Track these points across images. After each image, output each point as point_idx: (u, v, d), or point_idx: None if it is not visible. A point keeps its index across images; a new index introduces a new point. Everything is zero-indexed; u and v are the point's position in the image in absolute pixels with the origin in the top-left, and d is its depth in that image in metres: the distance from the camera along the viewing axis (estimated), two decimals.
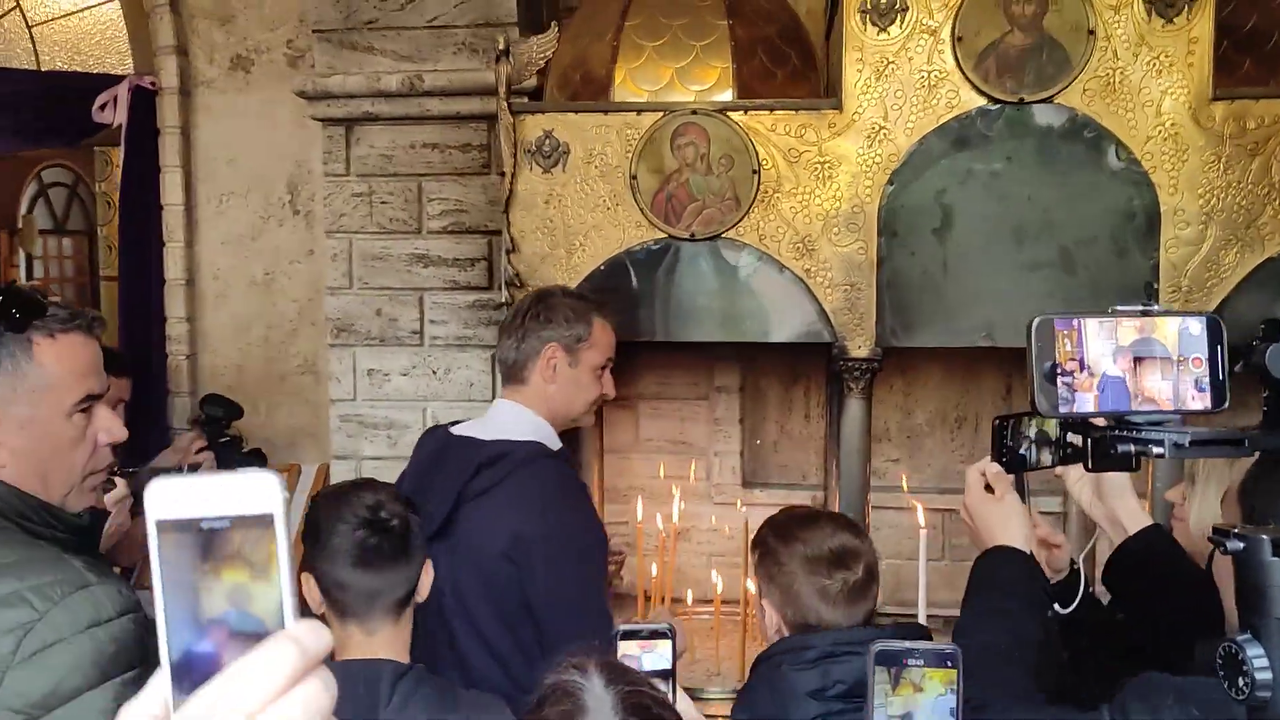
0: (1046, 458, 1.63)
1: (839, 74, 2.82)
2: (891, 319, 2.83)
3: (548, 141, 2.89)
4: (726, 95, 2.92)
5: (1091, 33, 2.66)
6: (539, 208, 2.92)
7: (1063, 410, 1.10)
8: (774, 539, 1.89)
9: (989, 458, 1.69)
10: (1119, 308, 1.12)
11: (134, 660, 1.19)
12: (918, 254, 2.80)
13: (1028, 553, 1.65)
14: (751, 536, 3.59)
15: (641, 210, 2.86)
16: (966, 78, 2.72)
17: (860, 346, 2.84)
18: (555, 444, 2.34)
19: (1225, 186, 2.67)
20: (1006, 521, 1.66)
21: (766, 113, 2.81)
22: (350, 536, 1.70)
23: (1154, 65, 2.66)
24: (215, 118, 4.08)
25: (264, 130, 4.07)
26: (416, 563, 1.78)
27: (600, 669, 1.32)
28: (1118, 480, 1.82)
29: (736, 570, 3.68)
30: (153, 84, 4.00)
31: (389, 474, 3.93)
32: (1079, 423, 1.23)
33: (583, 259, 2.91)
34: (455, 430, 2.42)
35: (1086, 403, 1.10)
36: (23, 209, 7.67)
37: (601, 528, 2.33)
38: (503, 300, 2.95)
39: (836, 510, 3.30)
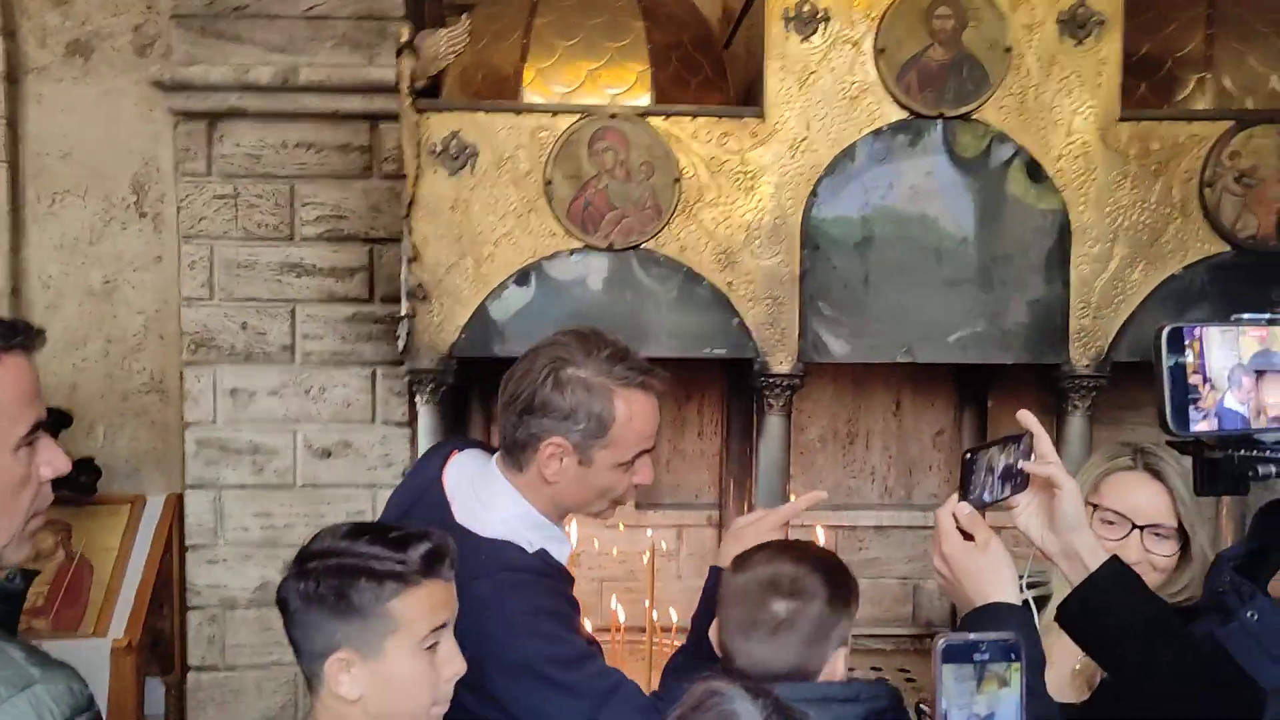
0: (1005, 489, 1.46)
1: (759, 82, 2.75)
2: (813, 334, 2.77)
3: (454, 142, 2.68)
4: (644, 100, 2.80)
5: (1008, 50, 2.69)
6: (444, 214, 2.70)
7: (1193, 429, 1.02)
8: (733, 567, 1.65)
9: (955, 497, 1.45)
10: (1243, 315, 1.05)
11: None
12: (840, 268, 2.76)
13: (1021, 605, 1.47)
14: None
15: (557, 218, 2.70)
16: (888, 90, 2.70)
17: (782, 362, 2.77)
18: (534, 543, 1.78)
19: (1131, 205, 2.75)
20: (996, 574, 1.43)
21: (688, 119, 2.71)
22: None
23: (1065, 85, 2.72)
24: (47, 108, 3.63)
25: (104, 123, 3.66)
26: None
27: (741, 685, 1.24)
28: (1074, 511, 1.62)
29: (633, 595, 3.54)
30: None
31: (254, 504, 3.61)
32: (1191, 443, 1.15)
33: (492, 269, 2.72)
34: (455, 507, 1.84)
35: (1209, 420, 1.02)
36: None
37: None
38: (404, 313, 2.72)
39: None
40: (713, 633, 1.64)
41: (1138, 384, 3.54)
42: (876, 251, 2.75)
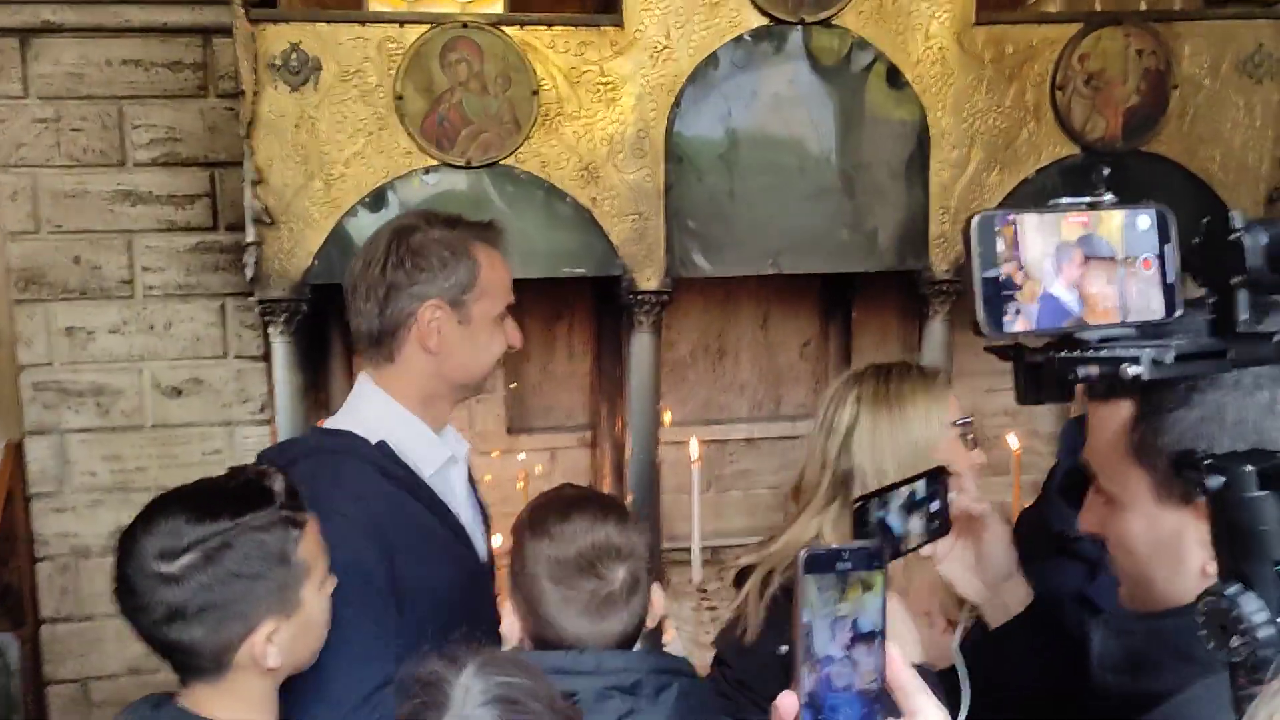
0: (917, 527, 1.23)
1: None
2: (680, 249, 2.74)
3: (295, 56, 2.50)
4: (497, 8, 2.67)
5: None
6: (288, 132, 2.54)
7: (1008, 330, 0.95)
8: (526, 531, 1.50)
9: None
10: (1063, 200, 0.98)
11: None
12: (705, 180, 2.72)
13: None
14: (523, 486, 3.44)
15: (410, 135, 2.57)
16: None
17: (649, 279, 2.73)
18: (379, 435, 1.73)
19: (986, 110, 2.78)
20: None
21: (544, 28, 2.59)
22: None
23: None
24: None
25: None
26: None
27: (474, 660, 1.18)
28: (1005, 556, 1.46)
29: (509, 521, 3.51)
30: None
31: (101, 448, 3.40)
32: (1010, 347, 1.07)
33: (344, 190, 2.57)
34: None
35: (1027, 319, 0.96)
36: None
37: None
38: (250, 240, 2.56)
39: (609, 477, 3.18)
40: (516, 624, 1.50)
41: None
42: (741, 163, 2.72)
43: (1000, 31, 2.75)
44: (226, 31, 2.75)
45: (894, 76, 2.73)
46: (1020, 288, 0.93)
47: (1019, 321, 0.94)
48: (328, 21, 2.53)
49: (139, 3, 3.07)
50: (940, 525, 1.26)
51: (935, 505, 1.25)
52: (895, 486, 1.22)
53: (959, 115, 2.77)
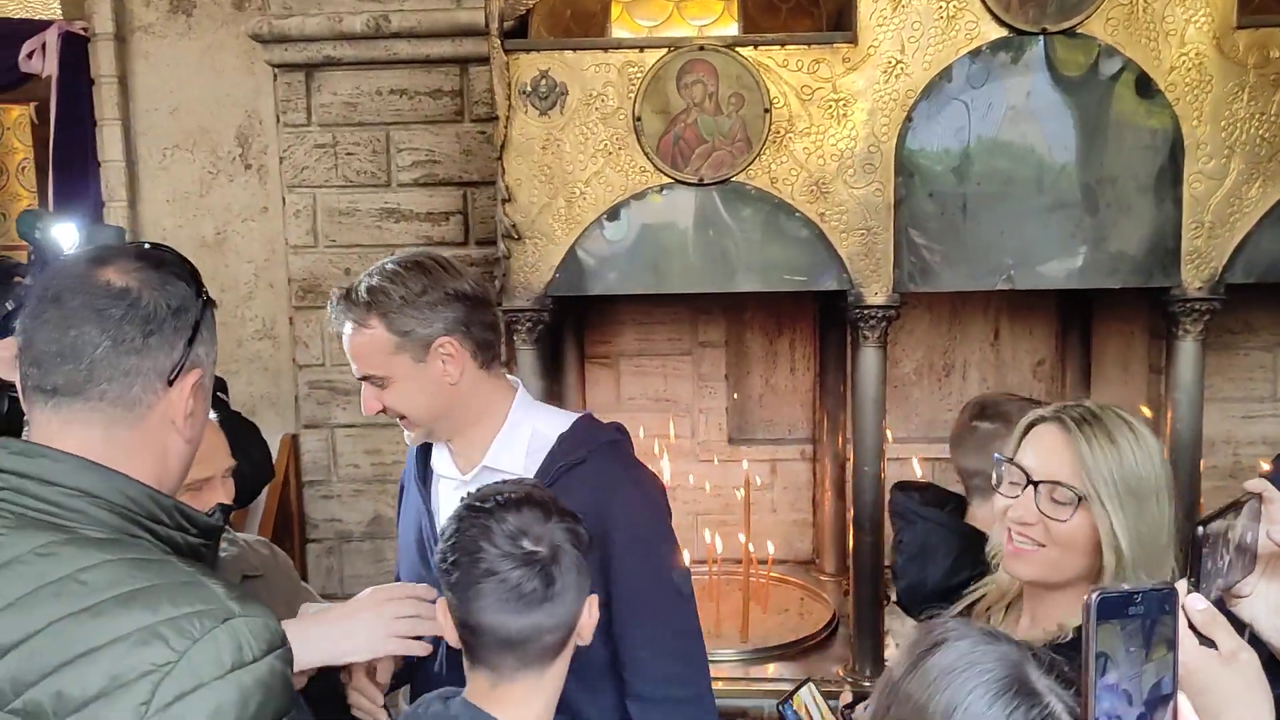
0: (1234, 562, 1.10)
1: (851, 6, 2.68)
2: (909, 263, 2.72)
3: (544, 82, 2.69)
4: (732, 30, 2.76)
5: None
6: (535, 154, 2.72)
7: None
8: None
9: (1185, 585, 1.01)
10: None
11: (281, 708, 1.01)
12: (936, 195, 2.69)
13: None
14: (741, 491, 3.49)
15: (646, 154, 2.69)
16: (987, 7, 2.60)
17: (877, 294, 2.73)
18: None
19: (1248, 118, 2.61)
20: (1248, 693, 1.00)
21: (778, 48, 2.66)
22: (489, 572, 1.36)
23: None
24: (154, 65, 3.77)
25: (208, 78, 3.78)
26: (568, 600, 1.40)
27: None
28: None
29: (728, 528, 3.58)
30: (84, 30, 3.67)
31: (363, 443, 3.74)
32: None
33: (584, 208, 2.73)
34: None
35: None
36: None
37: None
38: (499, 254, 2.76)
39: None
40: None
41: (1252, 306, 3.41)
42: (974, 177, 2.67)
43: (1265, 35, 2.58)
44: (482, 61, 2.99)
45: (1144, 85, 2.61)
46: None
47: None
48: (574, 49, 2.69)
49: (406, 37, 3.38)
50: (1250, 559, 1.13)
51: (1249, 537, 1.12)
52: (1223, 512, 1.09)
53: (1216, 124, 2.61)
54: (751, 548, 3.25)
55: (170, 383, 1.11)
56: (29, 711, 0.94)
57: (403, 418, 1.75)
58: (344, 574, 3.62)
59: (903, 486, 2.26)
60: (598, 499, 1.66)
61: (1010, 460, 1.53)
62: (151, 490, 1.09)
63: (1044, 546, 1.48)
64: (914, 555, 2.07)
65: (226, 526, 1.79)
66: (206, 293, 1.17)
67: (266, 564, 1.90)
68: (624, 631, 1.70)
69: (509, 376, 1.86)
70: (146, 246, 1.16)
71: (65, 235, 2.52)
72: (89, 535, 1.03)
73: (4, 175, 8.71)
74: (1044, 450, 1.49)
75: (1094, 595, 0.74)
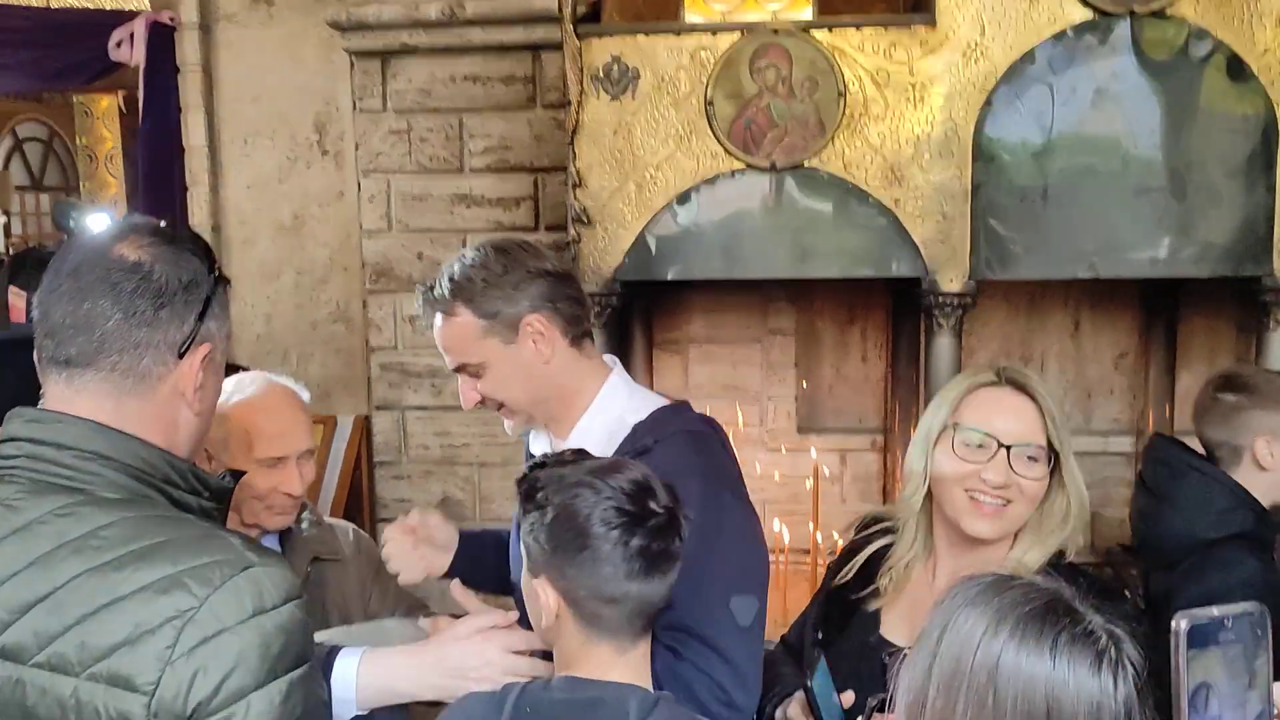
0: None
1: None
2: (987, 250, 2.67)
3: (616, 67, 2.69)
4: (806, 14, 2.73)
5: None
6: (607, 138, 2.72)
7: None
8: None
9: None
10: None
11: (301, 654, 1.03)
12: (1016, 180, 2.63)
13: None
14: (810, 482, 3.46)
15: (718, 139, 2.68)
16: None
17: (952, 280, 2.68)
18: None
19: None
20: None
21: (853, 31, 2.62)
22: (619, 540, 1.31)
23: None
24: (237, 54, 3.85)
25: (288, 66, 3.84)
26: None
27: None
28: None
29: (796, 518, 3.55)
30: (171, 19, 3.77)
31: (433, 425, 3.79)
32: None
33: (654, 193, 2.73)
34: None
35: None
36: None
37: None
38: (570, 239, 2.77)
39: None
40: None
41: None
42: (1056, 162, 2.61)
43: None
44: (554, 47, 3.00)
45: (1236, 68, 2.52)
46: None
47: None
48: (646, 33, 2.68)
49: (480, 24, 3.40)
50: None
51: None
52: None
53: None
54: (819, 538, 3.22)
55: (181, 355, 1.13)
56: (54, 664, 0.97)
57: (501, 406, 1.72)
58: None
59: (1164, 438, 2.19)
60: None
61: (988, 434, 1.50)
62: (166, 453, 1.11)
63: (1010, 503, 1.51)
64: (1182, 506, 1.98)
65: (309, 504, 1.83)
66: (220, 269, 1.19)
67: (346, 550, 1.91)
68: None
69: (605, 356, 1.81)
70: (162, 224, 1.18)
71: (99, 225, 2.59)
72: (105, 496, 1.06)
73: (94, 163, 9.03)
74: (1005, 412, 1.51)
75: (1181, 623, 0.71)
